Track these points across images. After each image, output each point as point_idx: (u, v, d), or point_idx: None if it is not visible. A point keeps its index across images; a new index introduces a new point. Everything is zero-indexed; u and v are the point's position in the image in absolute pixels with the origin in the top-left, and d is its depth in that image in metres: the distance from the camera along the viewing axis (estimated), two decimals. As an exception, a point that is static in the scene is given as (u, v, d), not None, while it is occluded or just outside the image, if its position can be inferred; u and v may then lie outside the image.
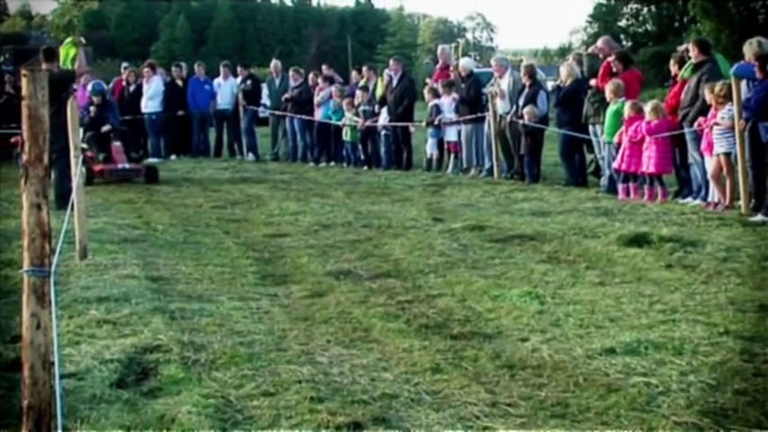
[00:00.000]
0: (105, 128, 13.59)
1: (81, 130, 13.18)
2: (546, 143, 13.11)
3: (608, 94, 11.01)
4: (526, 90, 12.81)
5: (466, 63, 15.10)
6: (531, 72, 12.95)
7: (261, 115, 18.84)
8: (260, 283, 6.61)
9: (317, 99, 16.53)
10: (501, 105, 13.16)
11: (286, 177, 14.14)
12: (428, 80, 16.61)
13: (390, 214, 9.71)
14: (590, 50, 13.31)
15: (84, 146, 13.17)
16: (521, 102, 12.78)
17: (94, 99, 13.99)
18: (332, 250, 7.75)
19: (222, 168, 15.54)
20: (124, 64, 19.51)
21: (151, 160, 15.89)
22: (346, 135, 15.77)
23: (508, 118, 12.92)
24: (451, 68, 15.32)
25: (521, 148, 12.75)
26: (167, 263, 7.28)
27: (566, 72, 12.14)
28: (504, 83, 13.34)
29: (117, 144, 13.50)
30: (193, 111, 17.93)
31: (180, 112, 17.72)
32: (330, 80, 17.04)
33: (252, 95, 18.08)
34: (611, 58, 11.32)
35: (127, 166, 13.37)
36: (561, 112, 12.13)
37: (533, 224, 8.72)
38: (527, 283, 6.22)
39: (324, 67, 18.02)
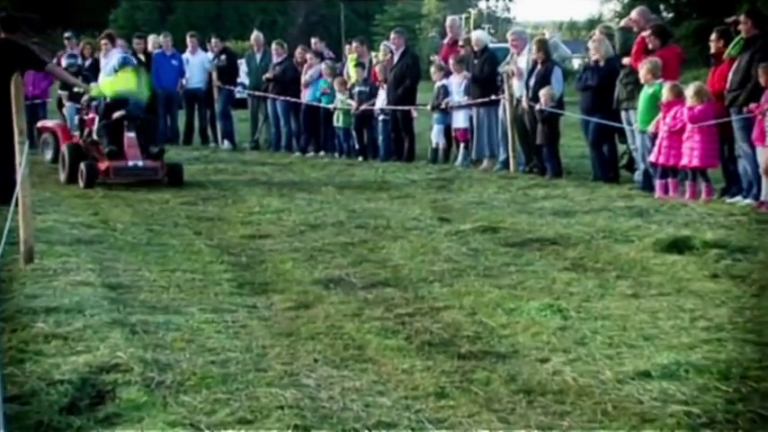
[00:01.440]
0: (117, 114, 12.29)
1: (96, 119, 12.81)
2: (567, 132, 13.08)
3: (643, 75, 10.97)
4: (538, 68, 12.80)
5: (480, 36, 15.06)
6: (543, 47, 12.90)
7: (238, 96, 18.83)
8: (236, 292, 6.61)
9: (304, 78, 16.54)
10: (518, 87, 13.16)
11: (267, 169, 14.15)
12: (434, 57, 16.63)
13: (389, 213, 9.73)
14: (623, 23, 13.32)
15: (95, 137, 12.52)
16: (531, 82, 12.77)
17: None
18: (320, 255, 7.76)
19: (193, 158, 15.53)
20: (66, 34, 19.16)
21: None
22: (338, 120, 15.78)
23: (524, 102, 12.91)
24: (461, 43, 15.32)
25: (537, 138, 12.74)
26: (128, 268, 7.27)
27: (602, 50, 11.98)
28: (523, 61, 13.34)
29: (130, 135, 12.21)
30: (158, 90, 17.91)
31: (143, 92, 17.69)
32: (320, 56, 17.06)
33: (227, 73, 18.07)
34: (646, 33, 11.31)
35: (140, 163, 12.05)
36: (593, 95, 12.03)
37: (555, 226, 8.74)
38: (547, 295, 6.24)
39: (313, 40, 18.05)
